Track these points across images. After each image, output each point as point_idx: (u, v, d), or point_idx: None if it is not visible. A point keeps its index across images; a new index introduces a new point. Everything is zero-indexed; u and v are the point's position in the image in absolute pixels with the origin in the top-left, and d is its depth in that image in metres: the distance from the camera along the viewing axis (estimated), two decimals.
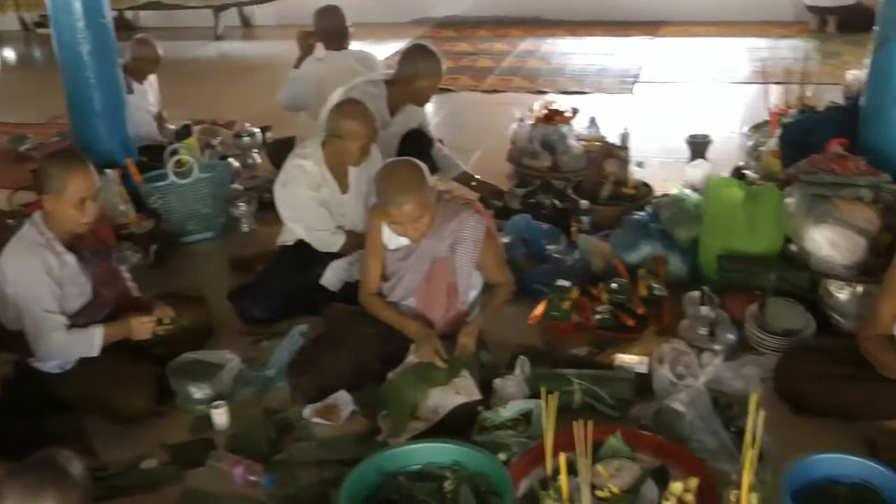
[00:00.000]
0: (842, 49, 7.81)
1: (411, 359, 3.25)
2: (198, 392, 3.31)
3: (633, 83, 7.36)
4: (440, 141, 5.01)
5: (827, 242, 3.61)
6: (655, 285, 3.76)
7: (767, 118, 5.19)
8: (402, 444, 2.91)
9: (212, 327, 3.79)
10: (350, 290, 3.71)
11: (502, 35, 9.18)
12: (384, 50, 7.99)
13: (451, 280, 3.33)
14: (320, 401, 3.23)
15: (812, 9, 8.70)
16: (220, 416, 3.22)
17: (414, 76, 4.43)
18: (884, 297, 3.09)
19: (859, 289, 3.48)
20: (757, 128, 5.37)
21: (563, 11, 9.57)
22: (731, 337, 3.49)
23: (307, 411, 3.22)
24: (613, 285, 3.77)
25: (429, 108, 4.72)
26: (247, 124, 5.91)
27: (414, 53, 4.49)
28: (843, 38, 8.20)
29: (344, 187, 3.92)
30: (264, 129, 5.94)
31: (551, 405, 2.52)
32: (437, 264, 3.32)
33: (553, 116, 5.47)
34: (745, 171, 4.69)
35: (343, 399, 3.24)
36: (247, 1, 9.86)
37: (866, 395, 3.03)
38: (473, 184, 4.91)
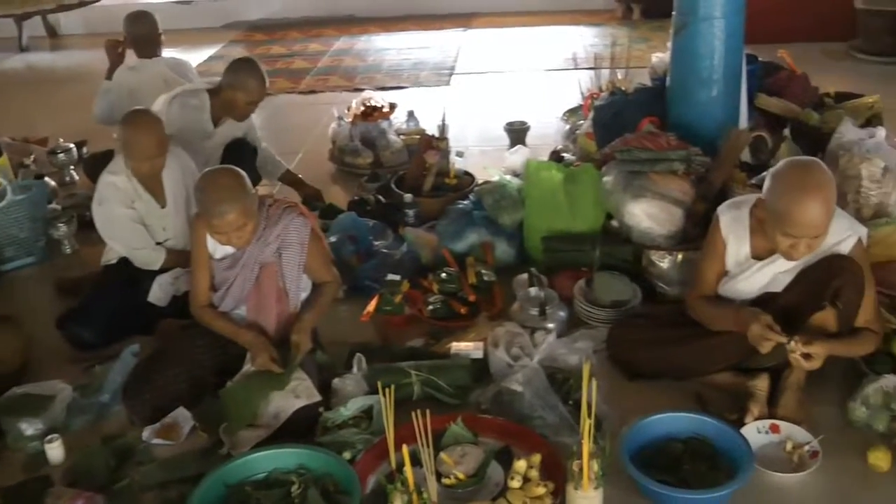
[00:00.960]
0: (648, 34, 8.16)
1: (248, 368, 3.18)
2: (29, 428, 3.12)
3: (450, 75, 7.45)
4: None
5: (646, 215, 3.74)
6: (484, 271, 3.81)
7: (581, 102, 5.35)
8: (246, 453, 2.85)
9: (25, 354, 3.59)
10: (180, 304, 3.61)
11: (316, 35, 9.11)
12: (197, 56, 7.81)
13: (280, 285, 3.28)
14: (159, 420, 3.12)
15: None
16: (55, 450, 3.04)
17: (232, 89, 4.34)
18: (705, 262, 3.23)
19: (680, 257, 3.63)
20: (572, 112, 5.53)
21: (376, 8, 9.58)
22: (562, 314, 3.57)
23: (146, 433, 3.09)
24: (443, 275, 3.79)
25: (253, 115, 4.62)
26: (61, 140, 5.61)
27: (236, 66, 4.40)
28: (649, 23, 8.57)
29: (161, 201, 3.80)
30: (80, 144, 5.67)
31: (389, 399, 2.51)
32: (264, 270, 3.26)
33: (371, 113, 5.47)
34: (563, 154, 4.82)
35: (182, 416, 3.14)
36: (50, 8, 9.26)
37: (692, 354, 3.17)
38: (296, 180, 4.94)
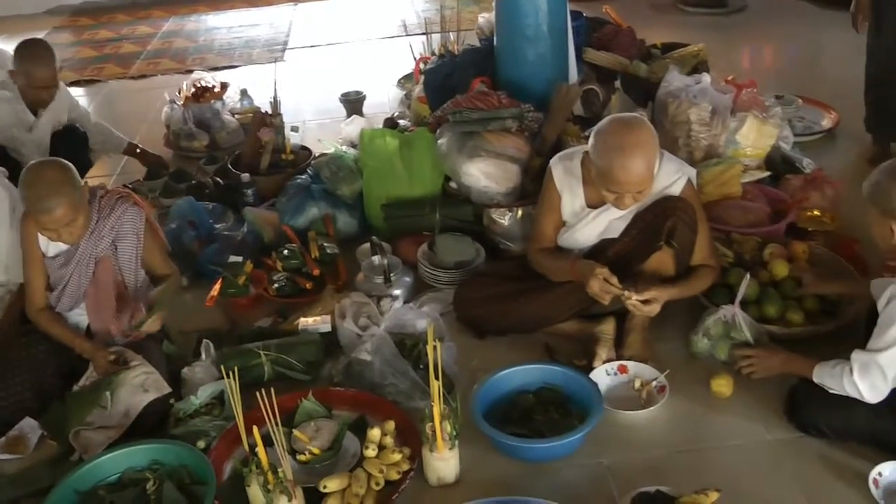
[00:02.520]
0: None
1: (92, 373, 3.06)
2: None
3: (283, 50, 7.31)
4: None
5: (483, 174, 3.76)
6: (327, 245, 3.78)
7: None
8: (95, 457, 2.75)
9: None
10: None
11: (143, 17, 8.76)
12: None
13: (118, 278, 3.16)
14: (4, 434, 2.98)
15: None
16: None
17: (19, 76, 4.18)
18: (542, 215, 3.29)
19: (519, 212, 3.67)
20: (407, 78, 5.52)
21: None
22: (407, 280, 3.58)
23: None
24: (286, 252, 3.74)
25: (81, 100, 4.45)
26: None
27: (19, 51, 4.23)
28: None
29: None
30: None
31: (235, 383, 2.46)
32: (100, 265, 3.14)
33: (203, 94, 5.34)
34: (399, 121, 4.81)
35: (29, 426, 3.00)
36: None
37: (538, 306, 3.22)
38: (139, 151, 4.88)
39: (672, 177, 3.10)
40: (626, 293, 2.97)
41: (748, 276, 3.16)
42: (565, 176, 3.19)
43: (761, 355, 3.02)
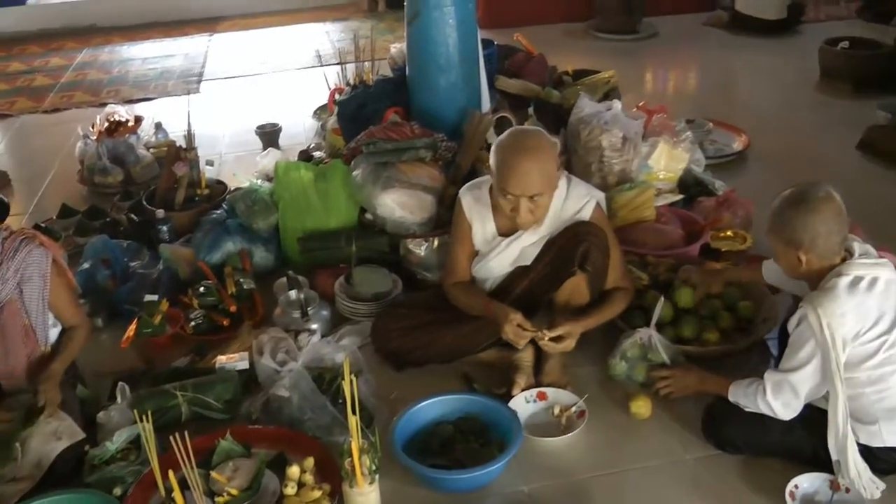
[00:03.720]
0: (393, 25, 8.21)
1: None
2: None
3: (199, 82, 7.23)
4: None
5: (397, 205, 3.76)
6: (243, 280, 3.74)
7: None
8: None
9: None
10: None
11: (57, 49, 8.57)
12: None
13: (25, 322, 3.06)
14: None
15: None
16: None
17: None
18: (455, 245, 3.31)
19: (436, 242, 3.69)
20: (322, 109, 5.51)
21: (117, 17, 9.08)
22: (325, 313, 3.56)
23: None
24: (202, 289, 3.69)
25: None
26: None
27: None
28: (394, 14, 8.61)
29: None
30: None
31: (148, 426, 2.41)
32: (6, 309, 3.02)
33: (116, 128, 5.25)
34: (313, 153, 4.79)
35: None
36: None
37: (456, 336, 3.24)
38: None
39: (581, 201, 3.15)
40: (540, 334, 3.03)
41: (662, 298, 3.22)
42: (475, 204, 3.23)
43: (677, 375, 3.07)
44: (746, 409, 2.76)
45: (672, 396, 3.08)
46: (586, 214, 3.15)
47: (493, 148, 3.05)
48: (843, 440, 2.60)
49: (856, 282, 2.57)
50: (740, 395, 2.77)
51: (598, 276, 3.14)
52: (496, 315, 3.07)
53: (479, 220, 3.23)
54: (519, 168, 2.94)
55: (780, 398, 2.66)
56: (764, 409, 2.70)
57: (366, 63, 5.46)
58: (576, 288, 3.12)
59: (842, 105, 6.02)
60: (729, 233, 4.01)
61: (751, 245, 3.95)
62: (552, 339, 3.05)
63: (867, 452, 2.64)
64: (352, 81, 5.29)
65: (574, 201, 3.15)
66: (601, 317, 3.18)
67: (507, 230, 3.20)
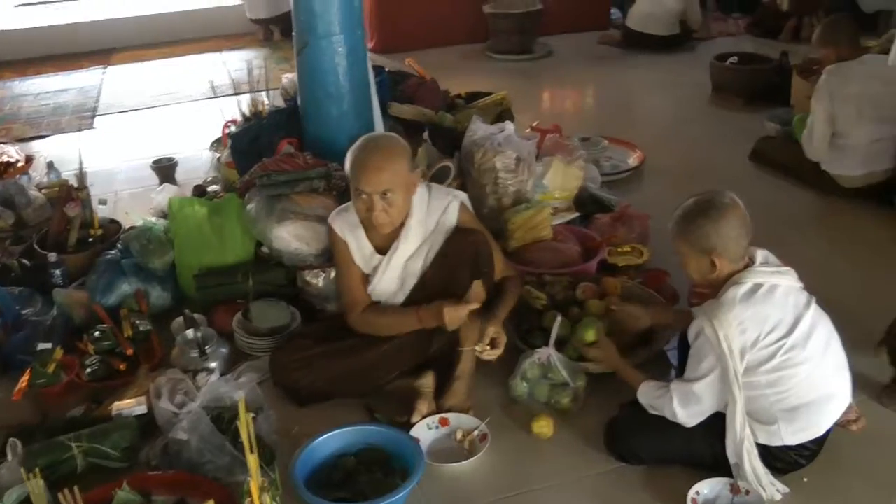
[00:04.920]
0: (289, 54, 8.07)
1: None
2: None
3: (93, 117, 7.08)
4: None
5: (293, 237, 3.73)
6: (140, 322, 3.66)
7: None
8: None
9: None
10: None
11: None
12: None
13: None
14: None
15: (254, 21, 9.03)
16: None
17: None
18: (343, 273, 3.33)
19: (333, 273, 3.65)
20: (218, 142, 5.46)
21: (8, 50, 8.87)
22: (224, 351, 3.51)
23: None
24: (97, 333, 3.59)
25: None
26: None
27: None
28: (289, 43, 8.36)
29: None
30: None
31: (38, 483, 2.34)
32: None
33: (6, 169, 5.12)
34: (209, 187, 4.73)
35: None
36: None
37: (350, 366, 3.24)
38: None
39: (444, 201, 3.25)
40: (478, 347, 3.12)
41: (559, 317, 3.26)
42: (345, 225, 3.28)
43: (607, 348, 3.18)
44: (651, 412, 2.84)
45: (598, 369, 3.22)
46: (452, 214, 3.24)
47: (347, 157, 3.14)
48: (741, 444, 2.68)
49: (754, 290, 2.65)
50: (651, 398, 2.85)
51: (491, 272, 3.26)
52: (432, 315, 3.13)
53: (354, 240, 3.28)
54: (369, 165, 3.05)
55: (687, 408, 2.74)
56: (671, 417, 2.77)
57: (262, 93, 5.44)
58: (475, 295, 3.18)
59: (733, 118, 6.21)
60: (626, 248, 4.08)
61: (648, 259, 4.02)
62: (489, 346, 3.15)
63: (766, 453, 2.72)
64: (247, 113, 5.25)
65: (438, 202, 3.24)
66: (507, 306, 3.30)
67: (383, 246, 3.24)
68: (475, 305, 3.12)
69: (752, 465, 2.69)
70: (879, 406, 3.18)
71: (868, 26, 7.82)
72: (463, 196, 3.34)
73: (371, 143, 3.14)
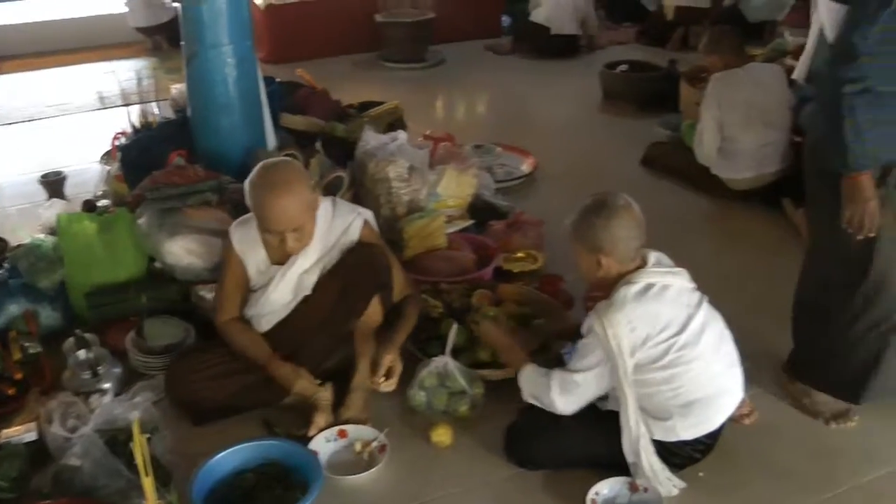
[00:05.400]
0: (179, 64, 7.94)
1: None
2: None
3: None
4: None
5: (185, 251, 3.69)
6: (29, 344, 3.54)
7: None
8: None
9: None
10: None
11: None
12: None
13: None
14: None
15: (138, 30, 8.89)
16: None
17: None
18: (226, 282, 3.29)
19: None
20: (107, 155, 5.34)
21: None
22: (117, 370, 3.41)
23: None
24: None
25: None
26: None
27: None
28: (179, 53, 8.35)
29: None
30: None
31: None
32: None
33: None
34: (99, 202, 4.63)
35: None
36: None
37: (249, 381, 3.22)
38: None
39: (348, 218, 3.24)
40: (373, 382, 3.16)
41: (455, 325, 3.29)
42: (244, 239, 3.23)
43: (500, 324, 3.30)
44: (530, 401, 2.93)
45: (494, 376, 3.26)
46: (355, 231, 3.23)
47: (246, 186, 3.07)
48: (637, 441, 2.75)
49: (646, 289, 2.72)
50: (530, 382, 2.94)
51: (389, 291, 3.26)
52: (286, 377, 3.14)
53: (251, 254, 3.23)
54: (275, 207, 2.98)
55: (565, 396, 2.82)
56: (547, 404, 2.86)
57: (152, 104, 5.34)
58: (372, 310, 3.20)
59: (624, 124, 6.36)
60: (521, 254, 4.14)
61: (542, 264, 4.08)
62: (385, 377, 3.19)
63: (662, 449, 2.79)
64: (136, 124, 5.15)
65: (341, 219, 3.23)
66: (406, 330, 3.31)
67: (280, 259, 3.21)
68: (374, 383, 3.18)
69: (650, 461, 2.76)
70: (771, 399, 3.30)
71: (754, 35, 8.11)
72: (368, 214, 3.32)
73: (272, 182, 3.00)
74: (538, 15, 8.06)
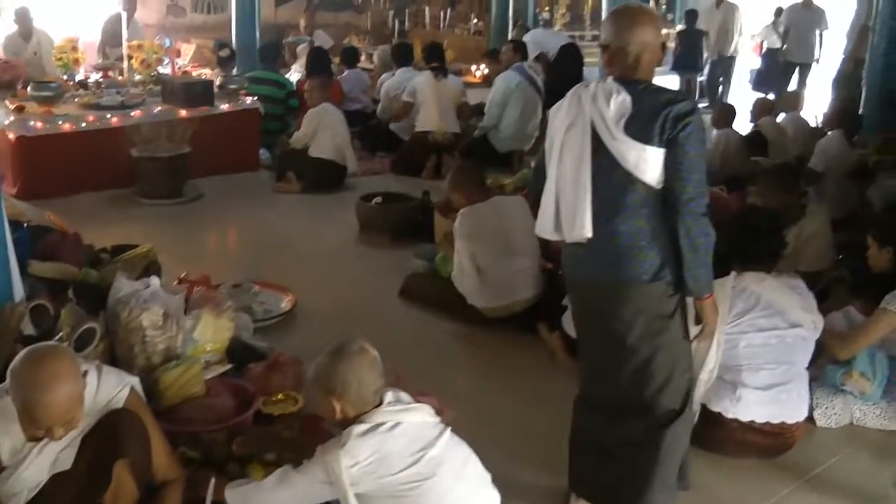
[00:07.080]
0: None
1: None
2: None
3: None
4: None
5: None
6: None
7: None
8: None
9: None
10: None
11: None
12: None
13: None
14: None
15: None
16: None
17: None
18: None
19: None
20: None
21: None
22: None
23: None
24: None
25: None
26: None
27: None
28: None
29: None
30: None
31: None
32: None
33: None
34: None
35: None
36: None
37: None
38: None
39: (114, 390, 3.11)
40: None
41: (213, 480, 3.22)
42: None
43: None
44: None
45: None
46: (120, 400, 3.11)
47: (10, 377, 2.85)
48: None
49: (374, 428, 2.85)
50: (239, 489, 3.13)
51: (139, 463, 3.07)
52: None
53: (5, 432, 2.99)
54: (44, 405, 2.78)
55: (279, 488, 2.98)
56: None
57: None
58: (120, 483, 3.01)
59: (381, 255, 6.51)
60: (280, 396, 4.12)
61: (303, 405, 4.07)
62: None
63: None
64: None
65: (106, 391, 3.08)
66: None
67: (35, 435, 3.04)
68: None
69: None
70: None
71: (503, 165, 8.59)
72: (134, 381, 3.21)
73: (38, 380, 2.77)
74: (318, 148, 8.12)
